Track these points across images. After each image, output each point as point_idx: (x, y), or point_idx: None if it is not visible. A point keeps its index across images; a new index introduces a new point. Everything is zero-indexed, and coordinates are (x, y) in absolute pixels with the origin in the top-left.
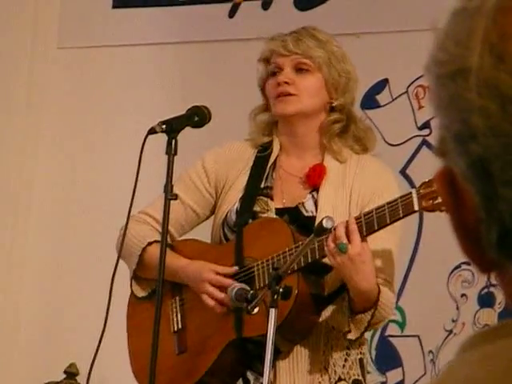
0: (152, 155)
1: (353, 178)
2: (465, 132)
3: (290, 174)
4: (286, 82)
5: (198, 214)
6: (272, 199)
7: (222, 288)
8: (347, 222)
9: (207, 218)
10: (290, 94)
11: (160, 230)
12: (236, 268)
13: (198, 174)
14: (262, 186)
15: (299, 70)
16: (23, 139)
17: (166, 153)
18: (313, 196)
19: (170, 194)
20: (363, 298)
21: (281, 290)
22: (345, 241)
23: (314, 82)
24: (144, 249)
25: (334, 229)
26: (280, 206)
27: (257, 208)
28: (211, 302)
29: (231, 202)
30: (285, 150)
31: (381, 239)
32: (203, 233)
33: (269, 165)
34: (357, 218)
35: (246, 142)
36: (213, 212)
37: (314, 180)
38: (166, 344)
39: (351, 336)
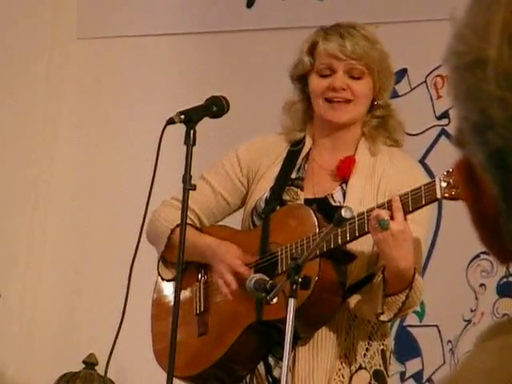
0: (171, 145)
1: (382, 170)
2: (483, 123)
3: (322, 167)
4: (343, 89)
5: (229, 203)
6: (302, 190)
7: (237, 274)
8: (391, 199)
9: (238, 208)
10: (347, 101)
11: (191, 215)
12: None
13: (231, 163)
14: (294, 176)
15: (351, 74)
16: (43, 130)
17: (185, 143)
18: (342, 187)
19: (188, 185)
20: (399, 277)
21: (300, 279)
22: (386, 217)
23: (366, 86)
24: (172, 230)
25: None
26: (310, 196)
27: (286, 197)
28: (220, 283)
29: (261, 192)
30: (318, 143)
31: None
32: (234, 223)
33: (301, 157)
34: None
35: (279, 136)
36: (243, 202)
37: (343, 172)
38: (189, 326)
39: (383, 318)
